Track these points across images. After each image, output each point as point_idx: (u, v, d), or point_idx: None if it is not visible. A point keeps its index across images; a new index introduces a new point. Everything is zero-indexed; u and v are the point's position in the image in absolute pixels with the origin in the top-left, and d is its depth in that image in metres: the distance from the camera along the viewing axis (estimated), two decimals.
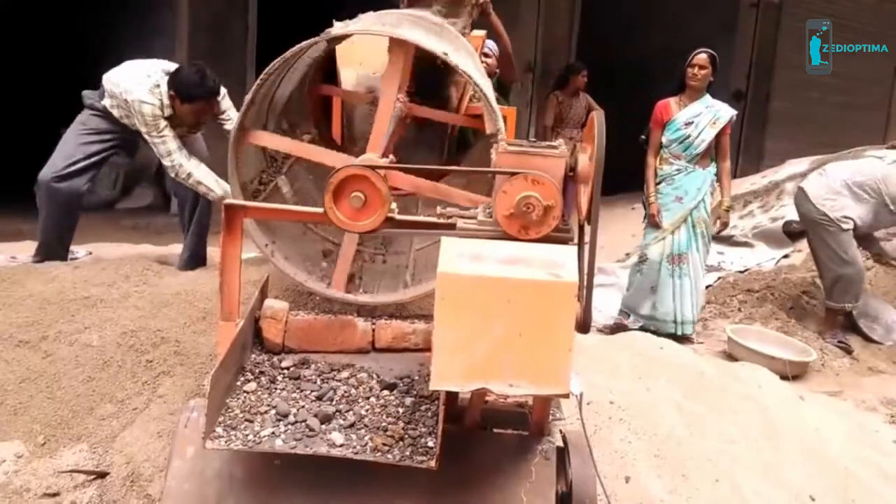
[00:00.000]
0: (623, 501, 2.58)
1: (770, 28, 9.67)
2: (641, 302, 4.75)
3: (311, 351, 2.43)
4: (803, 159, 7.31)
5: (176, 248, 4.32)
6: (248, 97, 2.60)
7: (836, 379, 4.35)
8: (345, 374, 2.31)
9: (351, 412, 2.10)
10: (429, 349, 2.14)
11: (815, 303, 5.13)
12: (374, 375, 2.32)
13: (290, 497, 2.03)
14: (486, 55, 3.51)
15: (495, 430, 2.18)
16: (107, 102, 3.71)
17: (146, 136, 3.65)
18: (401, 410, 2.13)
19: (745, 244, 6.44)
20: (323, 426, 2.01)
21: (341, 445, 1.95)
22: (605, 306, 5.16)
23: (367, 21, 2.65)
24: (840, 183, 4.70)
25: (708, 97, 4.70)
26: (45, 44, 10.60)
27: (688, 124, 4.64)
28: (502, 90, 4.63)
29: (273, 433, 1.97)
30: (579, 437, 2.16)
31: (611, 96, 7.08)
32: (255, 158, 2.92)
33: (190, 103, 3.58)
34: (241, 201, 2.24)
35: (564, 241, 1.91)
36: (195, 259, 4.00)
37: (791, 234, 6.27)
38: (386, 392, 2.23)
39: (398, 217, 2.00)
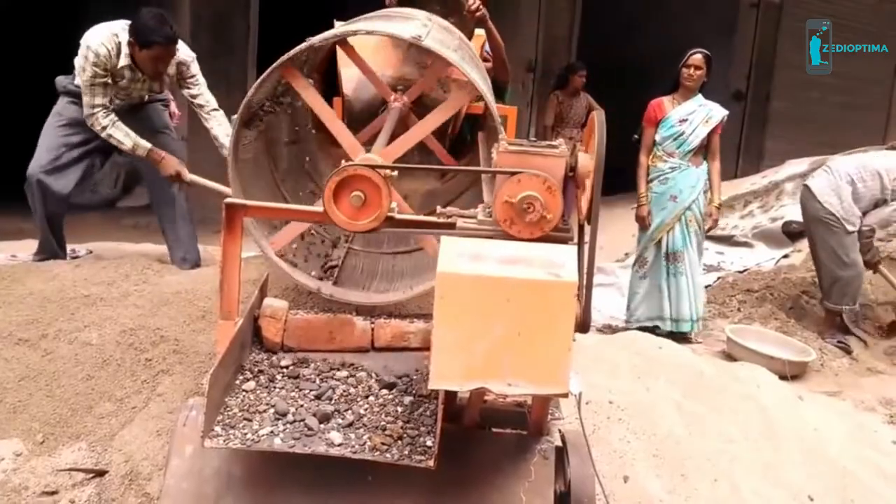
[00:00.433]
0: (622, 501, 2.58)
1: (770, 28, 9.66)
2: (658, 305, 4.69)
3: (310, 350, 2.42)
4: (803, 159, 7.31)
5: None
6: (247, 97, 2.60)
7: (835, 379, 4.35)
8: (343, 373, 2.31)
9: (350, 411, 2.10)
10: (428, 348, 2.14)
11: (815, 303, 5.13)
12: (373, 374, 2.32)
13: (289, 496, 2.03)
14: (485, 59, 3.52)
15: (494, 430, 2.17)
16: (77, 67, 3.59)
17: (81, 85, 3.56)
18: (399, 410, 2.13)
19: (745, 244, 6.44)
20: (321, 425, 2.01)
21: (340, 444, 1.95)
22: (605, 306, 5.16)
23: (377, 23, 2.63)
24: (846, 178, 4.67)
25: (700, 96, 4.72)
26: (44, 43, 10.58)
27: (682, 121, 4.65)
28: (497, 91, 4.63)
29: (272, 432, 1.97)
30: (578, 436, 2.16)
31: (611, 96, 7.07)
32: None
33: (148, 48, 3.51)
34: (241, 200, 2.23)
35: (564, 241, 1.91)
36: (188, 248, 3.95)
37: (791, 234, 6.27)
38: (385, 391, 2.23)
39: (398, 216, 2.00)
